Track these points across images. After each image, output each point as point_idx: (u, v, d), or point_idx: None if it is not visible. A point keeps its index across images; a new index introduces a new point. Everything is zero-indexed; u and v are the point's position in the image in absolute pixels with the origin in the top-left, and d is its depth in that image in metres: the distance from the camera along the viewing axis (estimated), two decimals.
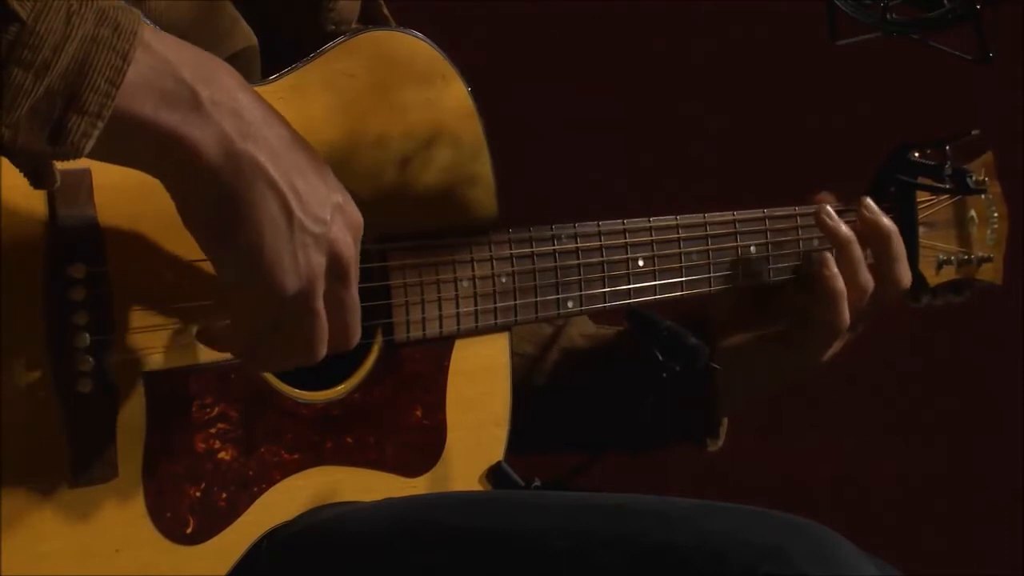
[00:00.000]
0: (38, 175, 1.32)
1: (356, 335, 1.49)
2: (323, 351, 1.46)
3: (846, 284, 1.90)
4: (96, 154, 1.32)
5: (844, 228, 1.92)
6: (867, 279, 1.91)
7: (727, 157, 3.04)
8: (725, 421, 1.98)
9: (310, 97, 1.61)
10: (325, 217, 1.41)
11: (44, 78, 1.28)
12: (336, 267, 1.43)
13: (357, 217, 1.46)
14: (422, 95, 1.68)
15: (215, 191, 1.37)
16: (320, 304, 1.43)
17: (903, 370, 3.20)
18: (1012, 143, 2.90)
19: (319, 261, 1.42)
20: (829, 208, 1.93)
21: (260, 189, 1.38)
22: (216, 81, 1.37)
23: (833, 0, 1.59)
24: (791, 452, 3.15)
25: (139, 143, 1.35)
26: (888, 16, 1.59)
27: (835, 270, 1.90)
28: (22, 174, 1.32)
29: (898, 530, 3.03)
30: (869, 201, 1.95)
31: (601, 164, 3.01)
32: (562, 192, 2.76)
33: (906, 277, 1.94)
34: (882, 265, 1.93)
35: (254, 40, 1.67)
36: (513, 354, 1.76)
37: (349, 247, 1.44)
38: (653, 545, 1.47)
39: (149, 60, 1.33)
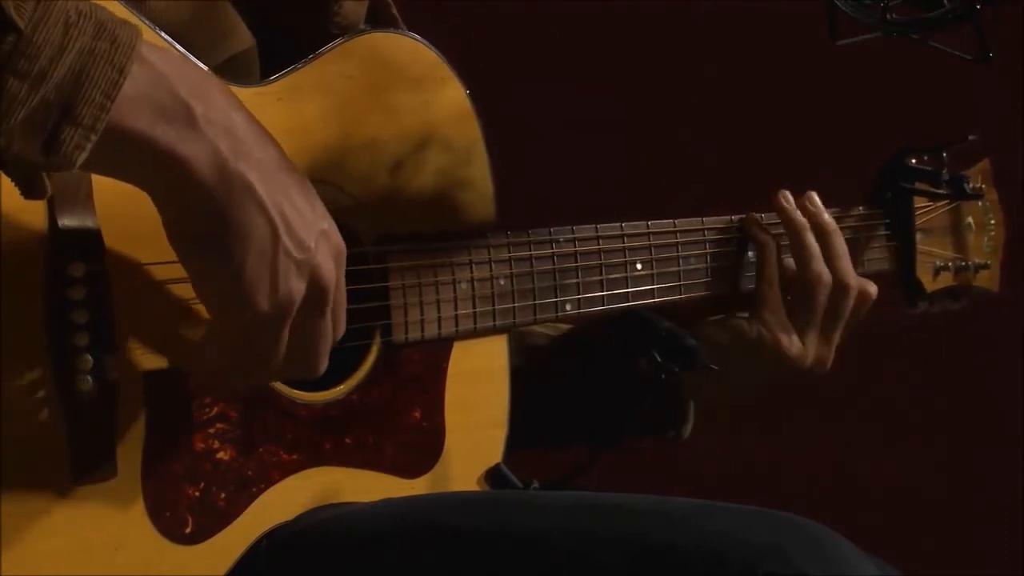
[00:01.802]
0: (30, 185, 1.32)
1: (323, 364, 1.47)
2: (280, 376, 1.45)
3: (801, 269, 1.89)
4: (89, 166, 1.32)
5: (799, 215, 1.91)
6: (821, 270, 1.89)
7: (726, 159, 3.04)
8: (691, 403, 1.96)
9: (308, 98, 1.61)
10: (310, 243, 1.40)
11: (39, 88, 1.27)
12: (315, 294, 1.42)
13: (341, 245, 1.45)
14: (420, 98, 1.68)
15: (204, 208, 1.36)
16: (287, 332, 1.42)
17: (903, 370, 3.20)
18: (1012, 144, 2.90)
19: (299, 287, 1.40)
20: (787, 193, 1.92)
21: (249, 209, 1.37)
22: (211, 99, 1.36)
23: (833, 0, 1.59)
24: (791, 452, 3.15)
25: (132, 157, 1.34)
26: (888, 16, 1.59)
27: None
28: (13, 184, 1.32)
29: (898, 530, 3.02)
30: (814, 195, 1.94)
31: (600, 167, 3.01)
32: (560, 195, 2.76)
33: (850, 277, 1.91)
34: (828, 262, 1.91)
35: (253, 42, 1.67)
36: None
37: (331, 275, 1.42)
38: (653, 545, 1.47)
39: (146, 75, 1.33)
